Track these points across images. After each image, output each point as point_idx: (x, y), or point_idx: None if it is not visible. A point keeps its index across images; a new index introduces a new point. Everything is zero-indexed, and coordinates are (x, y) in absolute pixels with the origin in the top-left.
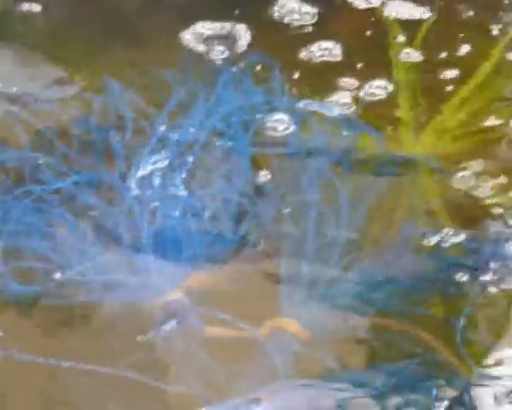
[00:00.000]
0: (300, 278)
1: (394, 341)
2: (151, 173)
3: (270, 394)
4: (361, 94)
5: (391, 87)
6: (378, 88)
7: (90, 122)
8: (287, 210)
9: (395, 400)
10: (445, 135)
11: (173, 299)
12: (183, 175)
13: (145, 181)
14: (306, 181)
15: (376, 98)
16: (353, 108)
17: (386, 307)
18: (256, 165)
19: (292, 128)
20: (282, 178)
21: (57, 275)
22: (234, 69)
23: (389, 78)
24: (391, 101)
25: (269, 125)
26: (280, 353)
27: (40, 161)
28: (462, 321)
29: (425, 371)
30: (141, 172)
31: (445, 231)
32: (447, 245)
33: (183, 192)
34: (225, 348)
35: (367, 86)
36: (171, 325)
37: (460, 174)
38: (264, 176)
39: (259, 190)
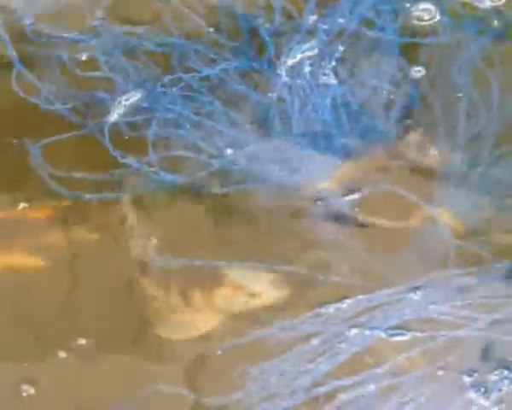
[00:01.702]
0: (452, 168)
1: None
2: (301, 62)
3: (426, 283)
4: None
5: None
6: None
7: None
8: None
9: None
10: None
11: (324, 188)
12: (333, 64)
13: (295, 69)
14: (457, 70)
15: None
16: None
17: None
18: (405, 55)
19: (438, 17)
20: (432, 69)
21: (208, 164)
22: None
23: None
24: None
25: (415, 14)
26: (433, 243)
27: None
28: None
29: None
30: (291, 61)
31: None
32: None
33: (333, 81)
34: (378, 237)
35: None
36: (323, 214)
37: None
38: (417, 72)
39: (410, 79)
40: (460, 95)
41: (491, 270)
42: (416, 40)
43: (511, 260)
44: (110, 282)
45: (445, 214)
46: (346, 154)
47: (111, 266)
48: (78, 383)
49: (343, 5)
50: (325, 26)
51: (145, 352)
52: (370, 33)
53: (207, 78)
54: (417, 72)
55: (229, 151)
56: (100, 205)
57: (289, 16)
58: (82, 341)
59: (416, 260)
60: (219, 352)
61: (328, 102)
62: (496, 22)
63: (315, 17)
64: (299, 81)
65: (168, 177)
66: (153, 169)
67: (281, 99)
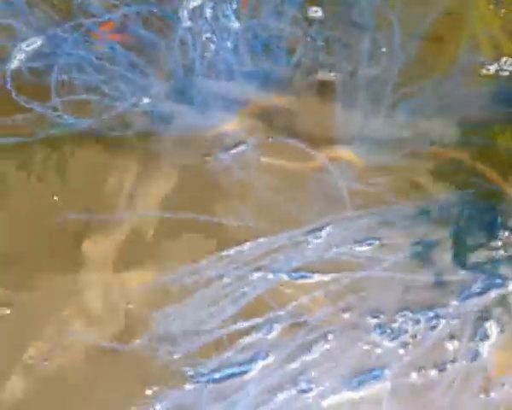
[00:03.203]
0: (355, 109)
1: (450, 171)
2: (202, 4)
3: (328, 225)
4: None
5: None
6: None
7: None
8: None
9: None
10: None
11: (228, 129)
12: (234, 6)
13: (197, 12)
14: (358, 12)
15: None
16: None
17: (441, 139)
18: None
19: None
20: (333, 9)
21: (112, 107)
22: None
23: None
24: None
25: None
26: (335, 184)
27: None
28: None
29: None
30: (192, 4)
31: (504, 59)
32: (505, 74)
33: (234, 23)
34: (281, 180)
35: None
36: (227, 154)
37: None
38: (314, 12)
39: (311, 21)
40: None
41: (393, 210)
42: None
43: (413, 201)
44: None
45: (348, 154)
46: (250, 94)
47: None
48: None
49: None
50: None
51: None
52: None
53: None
54: (315, 12)
55: (131, 94)
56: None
57: None
58: None
59: (318, 202)
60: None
61: (229, 44)
62: None
63: None
64: (200, 23)
65: (71, 120)
66: (57, 113)
67: (183, 42)
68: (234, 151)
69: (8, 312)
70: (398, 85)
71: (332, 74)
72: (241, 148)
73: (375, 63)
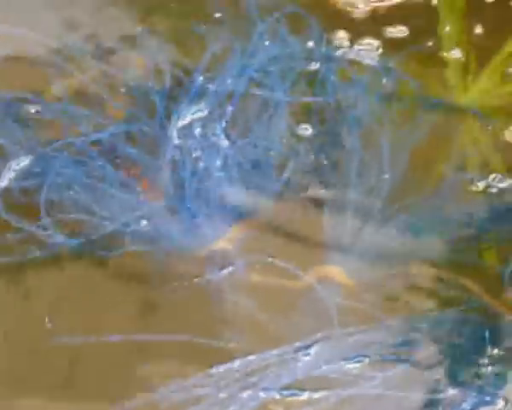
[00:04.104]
0: (345, 226)
1: (439, 289)
2: (191, 123)
3: (317, 342)
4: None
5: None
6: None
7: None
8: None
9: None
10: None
11: (219, 248)
12: (223, 125)
13: (186, 131)
14: (346, 130)
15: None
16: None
17: (430, 256)
18: (295, 115)
19: (330, 78)
20: (322, 128)
21: (102, 226)
22: (269, 20)
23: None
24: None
25: (306, 74)
26: (326, 302)
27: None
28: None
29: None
30: (181, 122)
31: (492, 176)
32: (494, 190)
33: (224, 142)
34: (271, 295)
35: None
36: (217, 274)
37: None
38: (304, 129)
39: (300, 140)
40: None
41: (382, 327)
42: (306, 99)
43: (402, 317)
44: None
45: (339, 273)
46: (239, 213)
47: None
48: None
49: (232, 66)
50: (214, 88)
51: None
52: (260, 93)
53: (99, 142)
54: (304, 129)
55: (121, 214)
56: None
57: (178, 80)
58: None
59: (307, 320)
60: None
61: (219, 162)
62: (385, 81)
63: (203, 78)
64: (190, 142)
65: (61, 239)
66: (47, 232)
67: (173, 161)
68: (224, 271)
69: None
70: (388, 203)
71: (322, 191)
72: (232, 268)
73: (364, 181)
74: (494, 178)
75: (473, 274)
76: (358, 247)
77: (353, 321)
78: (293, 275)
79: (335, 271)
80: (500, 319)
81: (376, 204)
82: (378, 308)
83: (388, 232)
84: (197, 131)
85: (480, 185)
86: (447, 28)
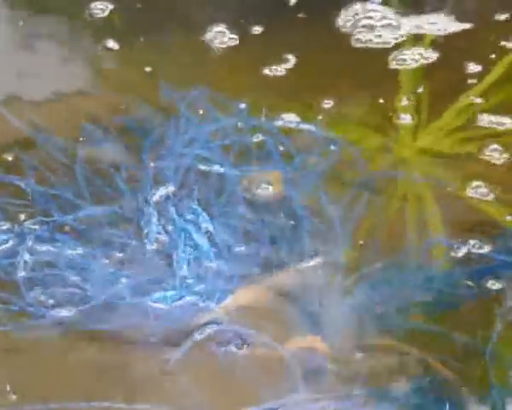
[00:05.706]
0: (311, 294)
1: (401, 362)
2: (164, 201)
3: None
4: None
5: None
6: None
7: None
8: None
9: None
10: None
11: (211, 318)
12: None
13: (161, 209)
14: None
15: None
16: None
17: (392, 326)
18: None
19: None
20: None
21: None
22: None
23: None
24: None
25: (251, 146)
26: (304, 369)
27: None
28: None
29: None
30: (155, 197)
31: (472, 242)
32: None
33: (203, 217)
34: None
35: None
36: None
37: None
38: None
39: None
40: None
41: (349, 397)
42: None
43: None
44: None
45: (317, 341)
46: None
47: None
48: None
49: (174, 148)
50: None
51: None
52: (204, 168)
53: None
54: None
55: (105, 289)
56: None
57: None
58: None
59: (276, 384)
60: None
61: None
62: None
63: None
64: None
65: (46, 313)
66: (31, 308)
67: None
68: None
69: None
70: (351, 271)
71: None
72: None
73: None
74: (473, 245)
75: (435, 347)
76: (325, 317)
77: (320, 388)
78: (268, 346)
79: (314, 339)
80: (460, 392)
81: (336, 276)
82: (345, 379)
83: (352, 301)
84: (171, 209)
85: (460, 252)
86: None
